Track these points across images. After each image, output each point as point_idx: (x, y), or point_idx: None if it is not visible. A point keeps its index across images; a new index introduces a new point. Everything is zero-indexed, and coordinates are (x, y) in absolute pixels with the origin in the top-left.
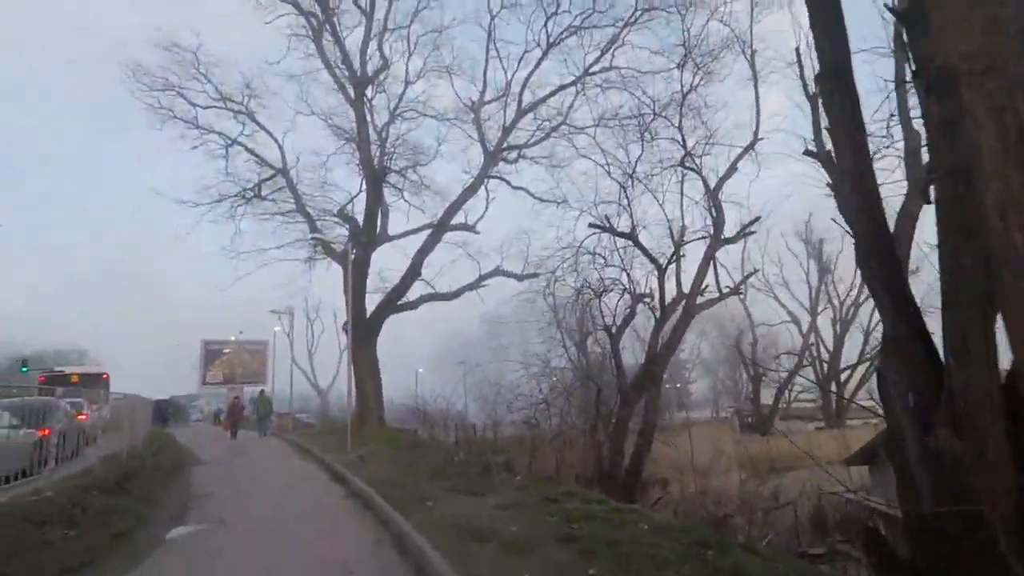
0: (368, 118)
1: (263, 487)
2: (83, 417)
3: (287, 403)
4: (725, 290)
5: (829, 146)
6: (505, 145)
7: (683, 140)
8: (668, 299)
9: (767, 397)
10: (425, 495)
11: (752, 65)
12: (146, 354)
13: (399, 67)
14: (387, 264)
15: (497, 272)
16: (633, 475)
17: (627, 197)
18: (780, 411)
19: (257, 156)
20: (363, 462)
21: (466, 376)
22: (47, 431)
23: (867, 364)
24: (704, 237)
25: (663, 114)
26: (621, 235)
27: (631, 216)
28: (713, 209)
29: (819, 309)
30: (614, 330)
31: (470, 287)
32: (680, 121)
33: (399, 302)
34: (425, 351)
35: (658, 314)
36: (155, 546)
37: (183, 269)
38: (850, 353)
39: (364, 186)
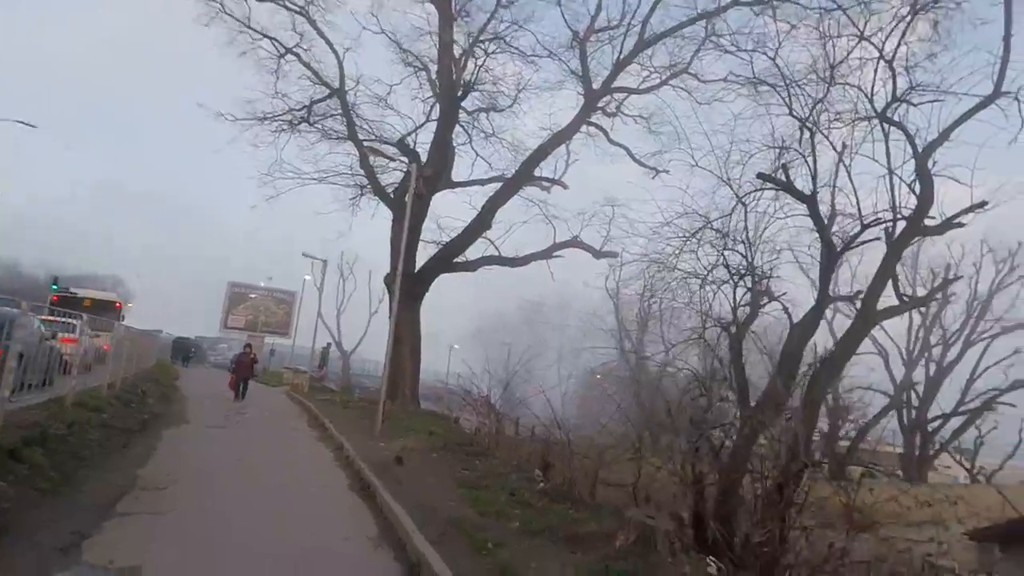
0: (451, 37)
1: (248, 488)
2: (68, 341)
3: (307, 360)
4: (906, 297)
5: None
6: (614, 85)
7: (894, 77)
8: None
9: None
10: None
11: None
12: (178, 289)
13: None
14: (445, 215)
15: (573, 242)
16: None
17: (806, 149)
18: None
19: (312, 71)
20: (401, 467)
21: (507, 362)
22: None
23: (965, 415)
24: (896, 219)
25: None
26: (799, 196)
27: (813, 173)
28: (918, 183)
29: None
30: (734, 328)
31: (540, 255)
32: (893, 54)
33: (455, 259)
34: (458, 327)
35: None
36: None
37: (221, 199)
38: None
39: (435, 114)
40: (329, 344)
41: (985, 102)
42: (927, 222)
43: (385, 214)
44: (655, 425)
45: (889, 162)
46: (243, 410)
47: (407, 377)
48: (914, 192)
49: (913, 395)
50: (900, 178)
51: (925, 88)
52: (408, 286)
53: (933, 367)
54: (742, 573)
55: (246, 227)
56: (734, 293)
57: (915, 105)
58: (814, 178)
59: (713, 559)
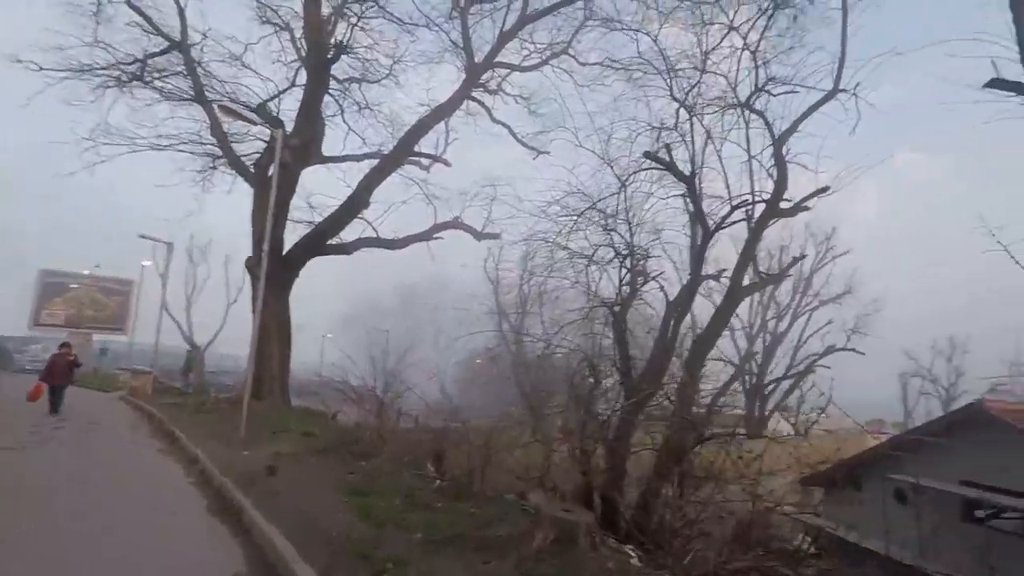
0: None
1: (57, 539)
2: None
3: (148, 359)
4: (762, 275)
5: None
6: (496, 60)
7: (756, 68)
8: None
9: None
10: None
11: None
12: None
13: None
14: (317, 192)
15: (454, 223)
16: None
17: (685, 132)
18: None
19: (146, 17)
20: (274, 478)
21: (386, 348)
22: None
23: (792, 379)
24: (756, 202)
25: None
26: (680, 177)
27: (692, 155)
28: (775, 169)
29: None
30: (617, 308)
31: (421, 237)
32: (757, 45)
33: (328, 241)
34: (329, 314)
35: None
36: None
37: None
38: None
39: (301, 79)
40: (197, 347)
41: (826, 98)
42: (782, 205)
43: (244, 190)
44: (544, 406)
45: (749, 149)
46: (59, 424)
47: (275, 372)
48: (772, 177)
49: (754, 364)
50: (760, 163)
51: (782, 80)
52: (275, 270)
53: (769, 338)
54: (660, 555)
55: (68, 204)
56: (619, 274)
57: (774, 95)
58: (693, 160)
59: (632, 548)
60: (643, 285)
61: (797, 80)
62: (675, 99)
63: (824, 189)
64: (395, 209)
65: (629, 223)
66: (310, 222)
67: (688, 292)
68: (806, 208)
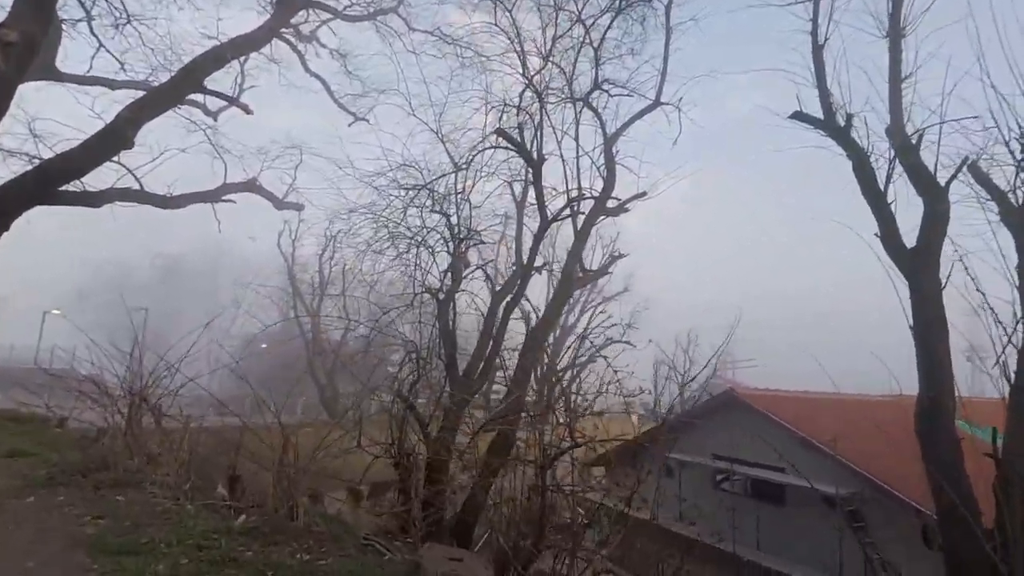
0: None
1: None
2: None
3: None
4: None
5: None
6: None
7: (597, 64)
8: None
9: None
10: None
11: None
12: None
13: None
14: (46, 116)
15: (249, 185)
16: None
17: (536, 113)
18: None
19: None
20: None
21: (143, 330)
22: None
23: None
24: (587, 197)
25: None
26: (529, 160)
27: (538, 142)
28: (604, 167)
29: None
30: (441, 296)
31: (204, 196)
32: (600, 42)
33: (62, 186)
34: (58, 285)
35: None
36: None
37: None
38: None
39: None
40: None
41: (649, 108)
42: (609, 203)
43: None
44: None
45: (578, 146)
46: None
47: None
48: (602, 175)
49: (545, 355)
50: (592, 160)
51: (617, 83)
52: None
53: (559, 331)
54: None
55: None
56: (452, 259)
57: (612, 96)
58: (540, 146)
59: None
60: (470, 273)
61: (632, 86)
62: (526, 79)
63: (643, 194)
64: (172, 157)
65: (457, 206)
66: (33, 157)
67: (518, 282)
68: (626, 209)
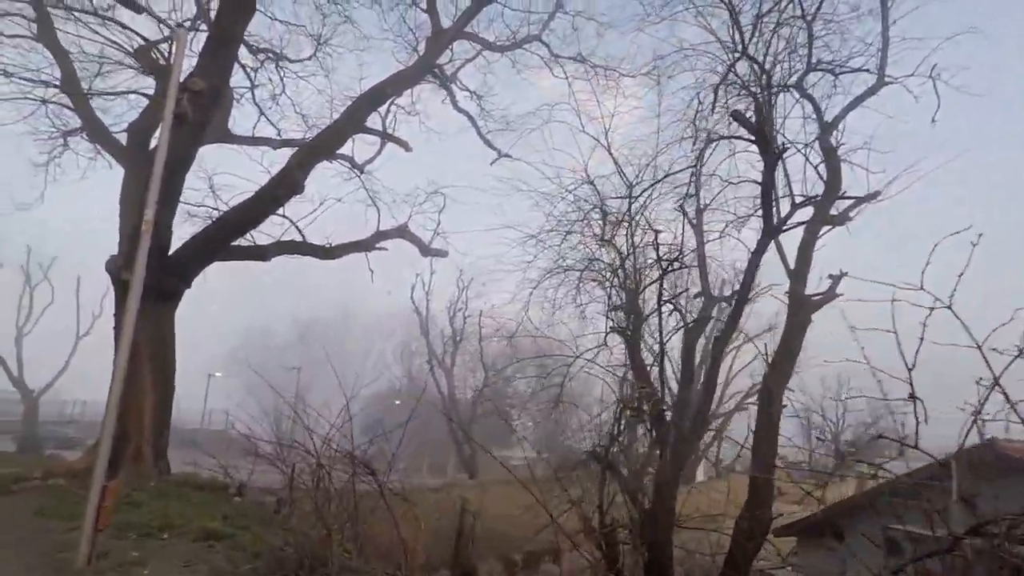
0: None
1: None
2: None
3: None
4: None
5: None
6: (468, 29)
7: (811, 41)
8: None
9: None
10: None
11: None
12: None
13: None
14: (221, 172)
15: (400, 231)
16: None
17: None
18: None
19: None
20: None
21: (299, 390)
22: None
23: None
24: (806, 202)
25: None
26: (767, 151)
27: (775, 126)
28: (825, 164)
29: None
30: (630, 333)
31: (359, 246)
32: (814, 15)
33: (233, 241)
34: (209, 347)
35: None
36: None
37: None
38: None
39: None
40: (30, 393)
41: (873, 89)
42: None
43: (104, 177)
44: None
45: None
46: None
47: (148, 422)
48: (821, 176)
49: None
50: (806, 157)
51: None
52: (157, 277)
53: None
54: None
55: None
56: (660, 284)
57: (836, 75)
58: (771, 134)
59: None
60: (670, 300)
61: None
62: (748, 57)
63: (876, 193)
64: (329, 208)
65: (631, 229)
66: (212, 209)
67: (713, 313)
68: (850, 217)
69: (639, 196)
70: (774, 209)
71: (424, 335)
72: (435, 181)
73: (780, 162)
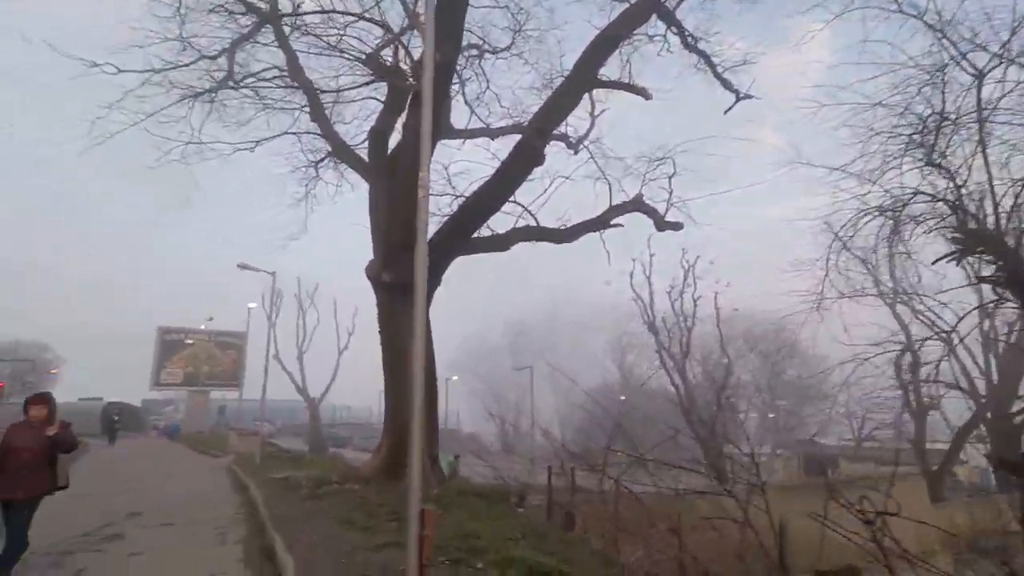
0: None
1: None
2: None
3: (252, 416)
4: None
5: None
6: None
7: None
8: None
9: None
10: None
11: None
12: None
13: None
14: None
15: (635, 204)
16: None
17: None
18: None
19: None
20: None
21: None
22: None
23: None
24: None
25: None
26: None
27: None
28: None
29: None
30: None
31: (593, 224)
32: None
33: (477, 230)
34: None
35: None
36: None
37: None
38: None
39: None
40: (312, 399)
41: None
42: None
43: (350, 200)
44: None
45: None
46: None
47: (421, 423)
48: None
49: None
50: None
51: None
52: (410, 272)
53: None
54: None
55: (170, 255)
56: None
57: None
58: None
59: None
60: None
61: None
62: None
63: None
64: (558, 187)
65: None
66: (454, 197)
67: None
68: None
69: None
70: None
71: (648, 324)
72: (663, 145)
73: None
